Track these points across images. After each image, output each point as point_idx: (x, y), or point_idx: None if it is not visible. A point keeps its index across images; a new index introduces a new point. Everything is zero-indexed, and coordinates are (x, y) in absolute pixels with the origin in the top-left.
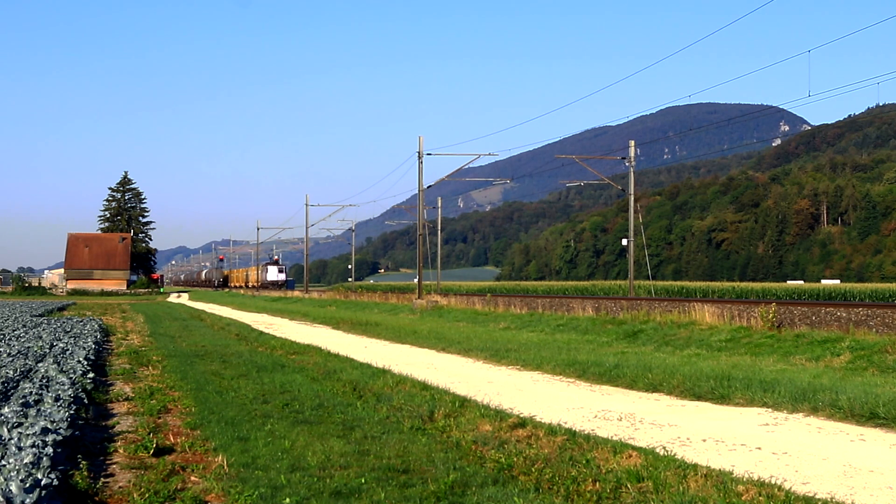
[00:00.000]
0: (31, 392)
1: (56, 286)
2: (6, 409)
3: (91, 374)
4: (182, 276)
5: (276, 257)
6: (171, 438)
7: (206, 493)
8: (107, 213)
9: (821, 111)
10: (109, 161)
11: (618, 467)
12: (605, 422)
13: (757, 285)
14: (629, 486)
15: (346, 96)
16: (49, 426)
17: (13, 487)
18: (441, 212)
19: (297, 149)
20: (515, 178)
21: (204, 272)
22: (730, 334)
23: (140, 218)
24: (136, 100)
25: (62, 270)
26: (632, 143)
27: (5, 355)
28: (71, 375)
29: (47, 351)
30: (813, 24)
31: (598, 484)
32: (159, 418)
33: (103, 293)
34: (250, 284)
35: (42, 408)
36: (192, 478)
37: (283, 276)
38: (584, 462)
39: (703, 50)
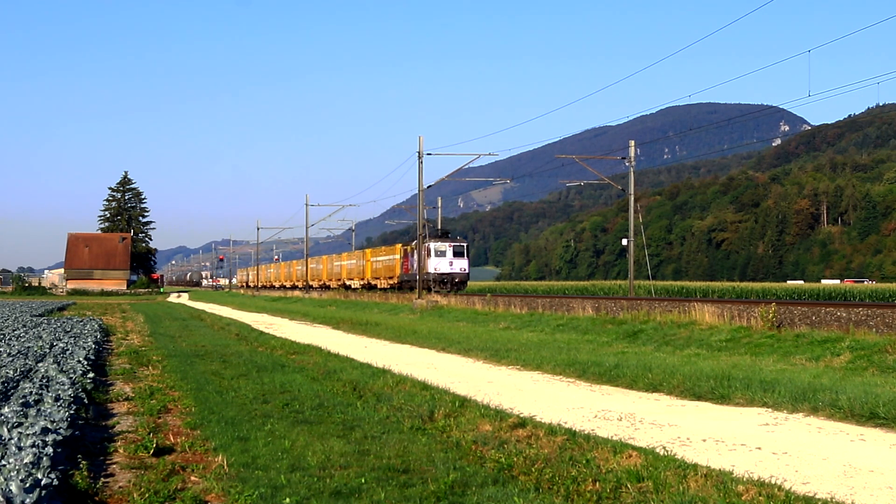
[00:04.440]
0: (32, 392)
1: (56, 286)
2: (6, 409)
3: (91, 374)
4: (175, 277)
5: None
6: (171, 438)
7: (206, 492)
8: (107, 213)
9: (821, 111)
10: (109, 161)
11: (618, 467)
12: (605, 422)
13: (757, 285)
14: (629, 486)
15: (346, 96)
16: (49, 426)
17: (13, 487)
18: (441, 212)
19: (297, 149)
20: (515, 178)
21: (189, 274)
22: (730, 334)
23: (140, 218)
24: (136, 100)
25: (62, 270)
26: (632, 143)
27: (5, 355)
28: (71, 375)
29: (47, 351)
30: (813, 24)
31: (598, 484)
32: (159, 418)
33: (103, 293)
34: (363, 281)
35: (42, 408)
36: (192, 478)
37: (463, 265)
38: (584, 462)
39: (703, 50)
